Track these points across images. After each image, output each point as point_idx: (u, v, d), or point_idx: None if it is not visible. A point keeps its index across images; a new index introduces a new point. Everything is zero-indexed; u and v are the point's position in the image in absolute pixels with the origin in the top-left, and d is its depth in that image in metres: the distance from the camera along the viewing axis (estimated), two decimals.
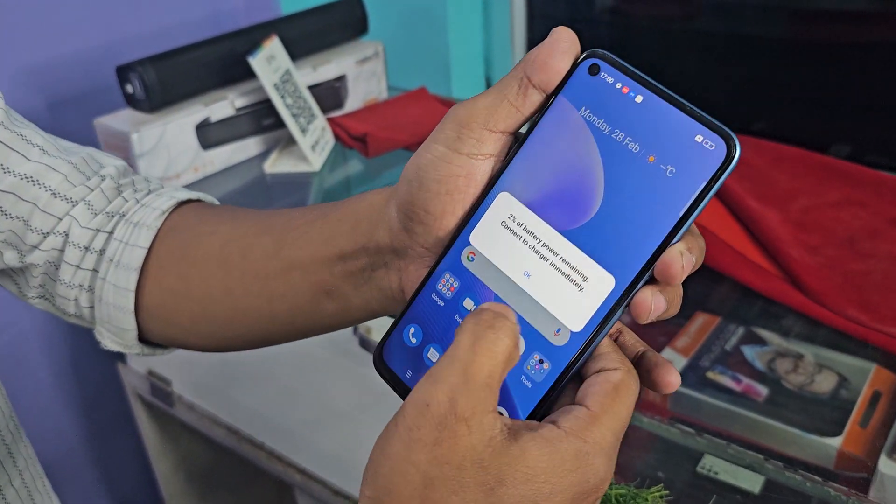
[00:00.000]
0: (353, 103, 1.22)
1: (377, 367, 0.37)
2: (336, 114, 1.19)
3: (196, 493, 1.33)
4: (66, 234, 0.51)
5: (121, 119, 1.00)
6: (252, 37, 1.08)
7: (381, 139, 1.09)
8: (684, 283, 0.34)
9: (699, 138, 0.31)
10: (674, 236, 0.31)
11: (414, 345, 0.36)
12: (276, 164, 1.09)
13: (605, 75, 0.33)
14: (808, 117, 1.14)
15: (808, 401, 0.69)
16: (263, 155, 1.12)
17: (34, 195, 0.49)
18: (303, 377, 0.95)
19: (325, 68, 1.16)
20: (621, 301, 0.32)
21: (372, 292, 0.41)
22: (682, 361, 0.73)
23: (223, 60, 1.07)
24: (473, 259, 0.35)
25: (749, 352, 0.74)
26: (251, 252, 0.46)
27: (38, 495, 0.57)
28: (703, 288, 0.81)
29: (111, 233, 0.51)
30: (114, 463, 1.42)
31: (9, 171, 0.48)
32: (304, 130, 1.06)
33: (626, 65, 0.33)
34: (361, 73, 1.21)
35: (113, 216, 0.51)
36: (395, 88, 1.30)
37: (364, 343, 0.82)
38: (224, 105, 1.06)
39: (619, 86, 0.33)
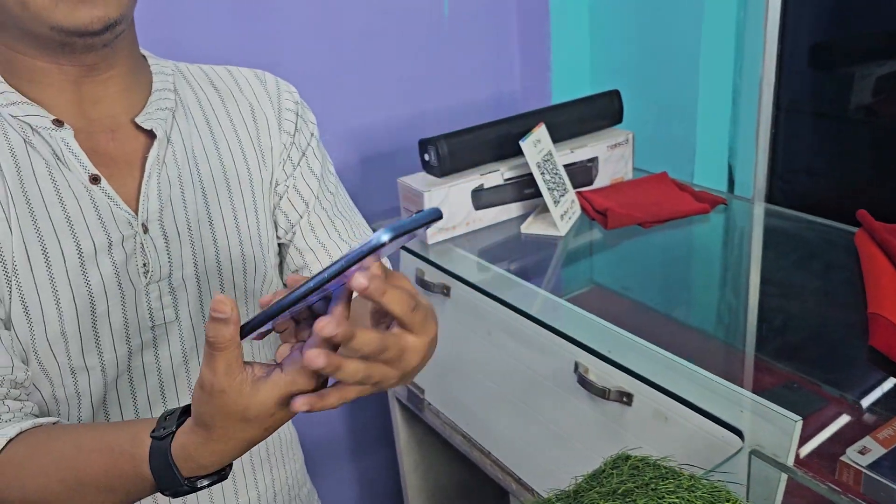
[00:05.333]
0: (601, 181, 1.42)
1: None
2: (585, 189, 1.40)
3: (429, 488, 1.57)
4: None
5: (417, 180, 1.29)
6: (525, 122, 1.33)
7: (619, 214, 1.28)
8: None
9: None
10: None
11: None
12: (531, 227, 1.32)
13: None
14: None
15: None
16: (522, 217, 1.36)
17: None
18: (529, 401, 1.13)
19: (580, 151, 1.38)
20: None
21: None
22: (880, 451, 0.77)
23: (499, 140, 1.32)
24: None
25: None
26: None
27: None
28: None
29: None
30: (369, 459, 1.72)
31: None
32: (556, 202, 1.28)
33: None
34: (611, 156, 1.42)
35: None
36: (640, 170, 1.48)
37: (582, 381, 1.00)
38: (496, 175, 1.31)
39: None
